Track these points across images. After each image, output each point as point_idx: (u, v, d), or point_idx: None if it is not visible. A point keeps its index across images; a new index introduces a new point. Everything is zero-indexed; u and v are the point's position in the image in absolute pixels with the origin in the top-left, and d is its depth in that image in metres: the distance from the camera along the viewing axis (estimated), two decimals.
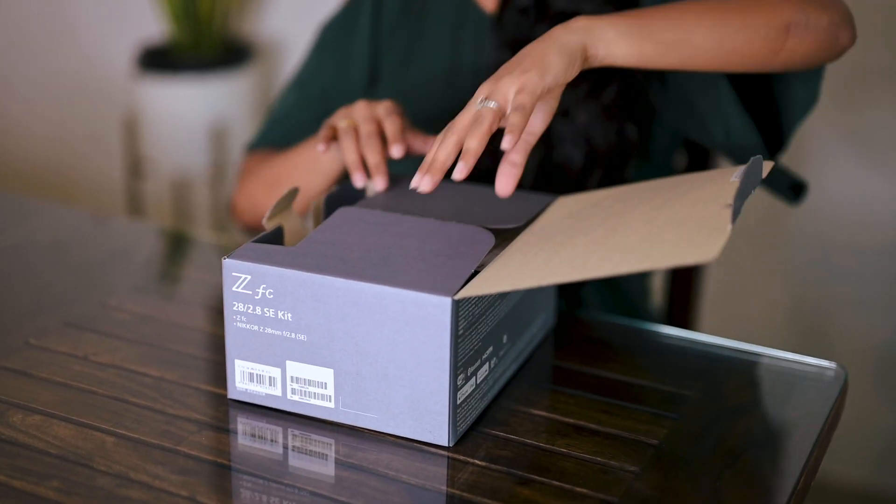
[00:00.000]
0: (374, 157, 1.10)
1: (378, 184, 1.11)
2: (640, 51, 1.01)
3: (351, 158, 1.11)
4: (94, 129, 2.73)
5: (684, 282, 1.54)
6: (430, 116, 1.28)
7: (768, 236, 2.17)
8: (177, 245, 1.38)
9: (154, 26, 2.56)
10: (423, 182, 0.94)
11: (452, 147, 0.94)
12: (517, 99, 0.95)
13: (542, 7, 1.25)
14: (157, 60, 2.41)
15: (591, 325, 1.14)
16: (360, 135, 1.12)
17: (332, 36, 1.39)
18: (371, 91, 1.36)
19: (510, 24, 1.26)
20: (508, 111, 0.95)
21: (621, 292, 1.37)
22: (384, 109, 1.13)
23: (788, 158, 2.04)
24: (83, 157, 2.77)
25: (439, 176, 0.95)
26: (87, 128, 2.75)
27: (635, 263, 0.82)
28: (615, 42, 1.00)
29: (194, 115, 2.40)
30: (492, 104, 0.95)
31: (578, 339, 1.11)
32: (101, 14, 2.66)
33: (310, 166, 1.22)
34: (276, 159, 1.31)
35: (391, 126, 1.11)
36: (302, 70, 1.41)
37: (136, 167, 2.55)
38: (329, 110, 1.33)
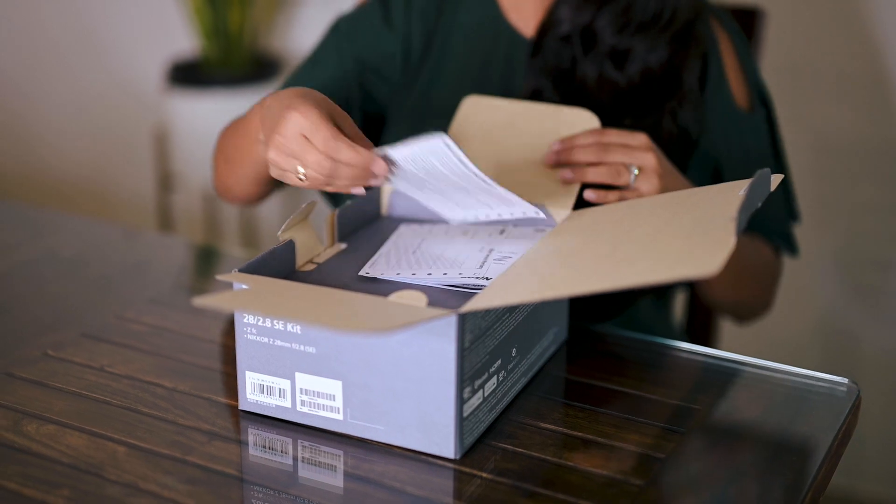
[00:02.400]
0: (346, 191, 1.03)
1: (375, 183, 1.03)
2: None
3: (332, 190, 1.03)
4: (125, 143, 2.76)
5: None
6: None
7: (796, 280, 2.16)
8: (197, 258, 1.40)
9: (185, 42, 2.59)
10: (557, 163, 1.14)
11: (591, 157, 1.13)
12: (642, 186, 1.12)
13: (589, 39, 1.24)
14: (188, 75, 2.44)
15: (604, 339, 1.14)
16: (322, 180, 1.01)
17: (350, 30, 1.35)
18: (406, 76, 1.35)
19: (550, 51, 1.26)
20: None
21: (633, 310, 1.37)
22: (328, 144, 0.97)
23: (813, 168, 2.04)
24: (114, 172, 2.80)
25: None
26: (118, 142, 2.78)
27: (637, 277, 0.83)
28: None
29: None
30: (633, 177, 1.11)
31: (591, 353, 1.11)
32: (132, 30, 2.70)
33: (259, 137, 1.12)
34: (231, 130, 1.25)
35: (348, 158, 0.99)
36: (316, 52, 1.36)
37: (166, 181, 2.58)
38: (342, 101, 1.30)
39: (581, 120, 1.14)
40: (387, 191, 1.18)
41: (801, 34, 2.04)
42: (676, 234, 0.91)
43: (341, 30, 1.36)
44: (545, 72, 1.26)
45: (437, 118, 1.32)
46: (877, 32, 1.98)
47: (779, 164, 1.36)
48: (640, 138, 1.12)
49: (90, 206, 2.86)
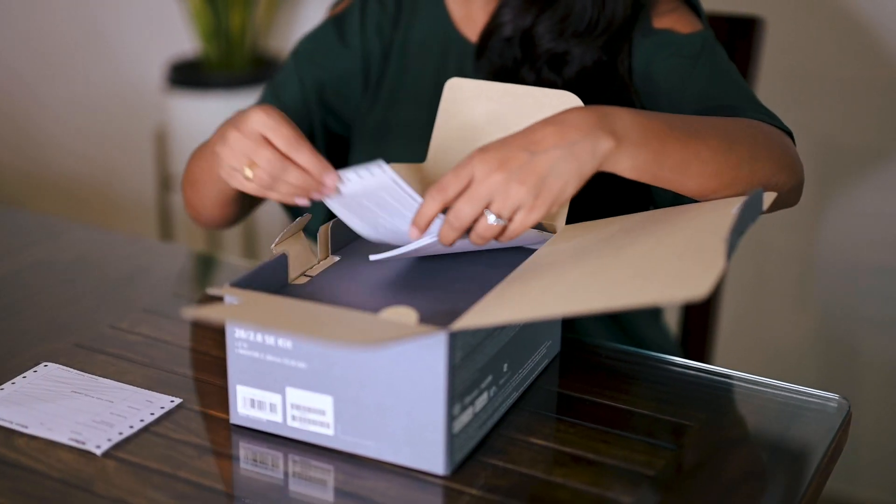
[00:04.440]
0: (289, 199, 1.04)
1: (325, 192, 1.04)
2: (639, 176, 1.00)
3: (274, 197, 1.06)
4: (126, 143, 2.77)
5: (700, 308, 1.53)
6: (414, 142, 1.30)
7: (792, 254, 2.16)
8: (195, 267, 1.40)
9: (186, 43, 2.59)
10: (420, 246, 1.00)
11: (453, 236, 0.98)
12: (516, 224, 0.96)
13: (529, 42, 1.25)
14: (189, 76, 2.44)
15: (597, 353, 1.14)
16: (268, 182, 1.02)
17: (310, 50, 1.39)
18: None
19: (493, 53, 1.27)
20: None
21: (627, 322, 1.37)
22: (289, 144, 1.01)
23: (814, 175, 2.04)
24: (116, 171, 2.81)
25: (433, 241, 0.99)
26: (120, 142, 2.78)
27: (627, 299, 0.83)
28: (625, 168, 0.99)
29: None
30: (496, 221, 0.95)
31: (583, 367, 1.11)
32: (133, 30, 2.70)
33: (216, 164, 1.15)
34: (197, 154, 1.27)
35: (306, 161, 1.01)
36: (277, 77, 1.40)
37: (167, 181, 2.58)
38: (304, 121, 1.35)
39: (563, 102, 1.12)
40: None
41: (801, 41, 2.04)
42: (668, 254, 0.91)
43: (300, 53, 1.39)
44: (490, 73, 1.28)
45: (399, 135, 1.33)
46: (876, 38, 1.98)
47: (733, 74, 1.26)
48: (474, 163, 0.95)
49: (92, 205, 2.86)
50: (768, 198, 1.00)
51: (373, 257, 1.07)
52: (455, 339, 0.89)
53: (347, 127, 1.39)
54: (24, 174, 2.94)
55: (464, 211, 0.96)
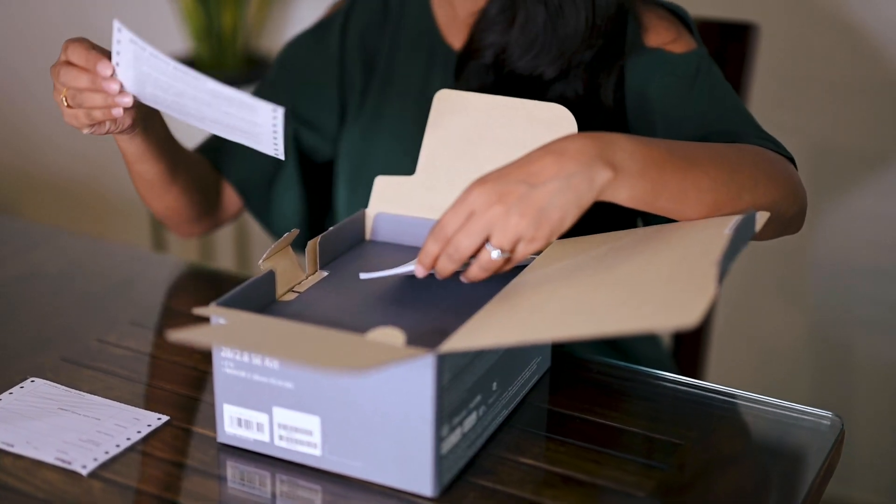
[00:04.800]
0: (109, 114, 1.08)
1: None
2: (636, 205, 0.99)
3: (89, 121, 1.10)
4: None
5: None
6: (400, 150, 1.30)
7: (786, 256, 2.16)
8: (183, 278, 1.39)
9: (178, 43, 2.58)
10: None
11: (452, 267, 0.98)
12: (518, 255, 0.96)
13: (501, 65, 1.24)
14: None
15: (588, 368, 1.14)
16: (77, 97, 1.07)
17: (291, 58, 1.40)
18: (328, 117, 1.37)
19: (472, 74, 1.26)
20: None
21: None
22: (74, 55, 1.07)
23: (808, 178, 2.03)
24: (109, 170, 2.79)
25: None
26: (113, 142, 2.76)
27: (617, 325, 0.82)
28: (623, 199, 0.98)
29: None
30: (500, 256, 0.96)
31: (574, 383, 1.11)
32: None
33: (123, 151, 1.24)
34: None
35: (78, 59, 1.07)
36: (263, 82, 1.42)
37: None
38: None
39: (555, 115, 1.11)
40: (370, 215, 1.17)
41: (794, 46, 2.03)
42: (658, 277, 0.90)
43: (279, 60, 1.40)
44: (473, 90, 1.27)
45: (385, 142, 1.33)
46: (869, 41, 1.97)
47: (732, 97, 1.24)
48: (472, 196, 0.95)
49: (87, 204, 2.85)
50: (761, 218, 0.99)
51: (363, 276, 1.06)
52: (443, 361, 0.89)
53: (323, 139, 1.38)
54: (20, 172, 2.92)
55: (463, 244, 0.96)
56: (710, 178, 1.02)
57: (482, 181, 0.95)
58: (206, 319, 0.94)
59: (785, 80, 2.04)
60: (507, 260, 0.97)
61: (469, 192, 0.95)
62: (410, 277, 1.09)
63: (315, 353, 0.86)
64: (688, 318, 0.80)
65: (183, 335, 0.85)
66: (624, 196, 0.97)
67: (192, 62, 2.48)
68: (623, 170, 0.96)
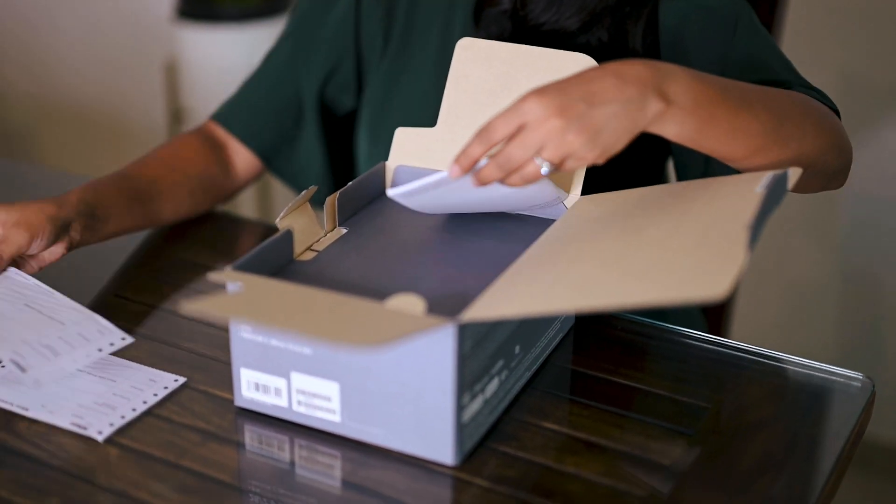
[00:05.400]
0: None
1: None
2: (682, 141, 0.96)
3: None
4: (136, 72, 2.72)
5: None
6: (421, 92, 1.27)
7: (812, 194, 2.12)
8: (203, 227, 1.35)
9: None
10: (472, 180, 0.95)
11: (497, 176, 0.94)
12: (565, 165, 0.92)
13: (521, 17, 1.20)
14: (198, 8, 2.39)
15: (613, 325, 1.11)
16: None
17: (308, 7, 1.36)
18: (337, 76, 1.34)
19: (490, 24, 1.22)
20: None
21: None
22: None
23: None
24: (126, 98, 2.76)
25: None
26: (129, 70, 2.73)
27: (642, 296, 0.79)
28: (670, 133, 0.95)
29: (235, 63, 2.37)
30: (547, 168, 0.92)
31: (598, 341, 1.08)
32: None
33: None
34: None
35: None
36: (280, 36, 1.38)
37: (177, 114, 2.54)
38: (292, 84, 1.33)
39: (580, 66, 1.07)
40: (391, 168, 1.14)
41: None
42: (686, 241, 0.87)
43: (296, 12, 1.36)
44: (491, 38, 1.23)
45: (407, 90, 1.29)
46: None
47: (765, 39, 1.21)
48: (528, 106, 0.91)
49: (103, 132, 2.82)
50: (794, 175, 0.96)
51: (390, 192, 1.01)
52: (464, 330, 0.86)
53: (343, 90, 1.35)
54: (39, 100, 2.90)
55: (516, 155, 0.92)
56: (759, 122, 0.98)
57: (541, 92, 0.91)
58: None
59: (819, 12, 1.98)
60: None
61: (525, 101, 0.91)
62: (430, 233, 1.06)
63: (333, 325, 0.84)
64: (715, 289, 0.77)
65: (198, 307, 0.82)
66: (672, 131, 0.94)
67: None
68: (675, 103, 0.93)
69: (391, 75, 1.31)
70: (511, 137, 0.92)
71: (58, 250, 1.12)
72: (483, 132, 0.93)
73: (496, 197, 1.01)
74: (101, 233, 1.18)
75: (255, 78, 1.37)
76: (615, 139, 0.92)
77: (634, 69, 0.92)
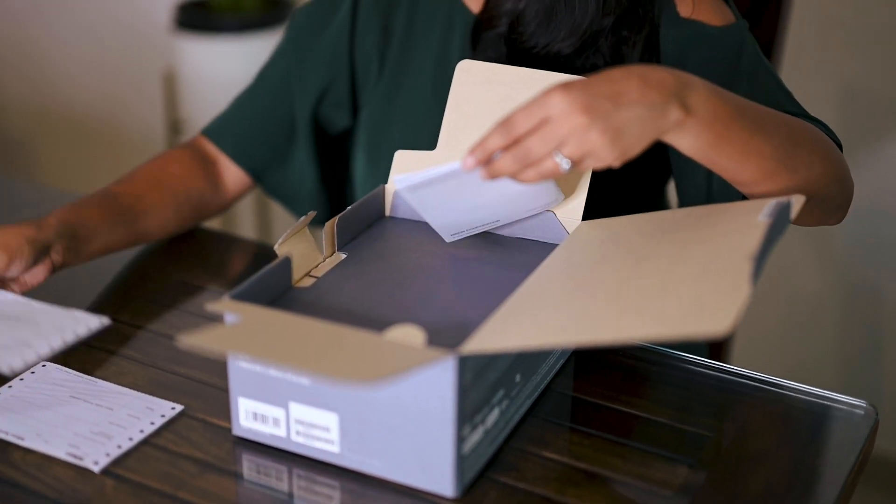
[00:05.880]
0: None
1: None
2: (695, 155, 0.95)
3: None
4: (135, 82, 2.71)
5: None
6: (418, 113, 1.26)
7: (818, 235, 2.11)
8: (202, 247, 1.34)
9: None
10: (477, 172, 0.92)
11: (514, 168, 0.91)
12: (583, 164, 0.90)
13: (517, 33, 1.18)
14: (196, 19, 2.38)
15: (614, 350, 1.10)
16: None
17: (303, 24, 1.35)
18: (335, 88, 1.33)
19: (488, 44, 1.21)
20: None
21: None
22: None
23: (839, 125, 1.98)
24: (125, 108, 2.76)
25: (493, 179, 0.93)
26: (128, 80, 2.72)
27: (643, 331, 0.79)
28: (685, 145, 0.94)
29: (234, 73, 2.36)
30: (567, 165, 0.90)
31: (599, 367, 1.07)
32: None
33: None
34: None
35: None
36: (274, 51, 1.37)
37: (175, 125, 2.53)
38: (285, 102, 1.32)
39: None
40: (390, 191, 1.13)
41: None
42: (688, 273, 0.86)
43: (293, 26, 1.35)
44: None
45: (404, 110, 1.28)
46: None
47: (767, 69, 1.20)
48: (553, 101, 0.89)
49: (101, 142, 2.81)
50: (797, 203, 0.95)
51: (397, 180, 0.98)
52: (464, 361, 0.85)
53: (337, 109, 1.34)
54: (36, 106, 2.89)
55: (536, 149, 0.90)
56: (772, 145, 0.98)
57: (566, 87, 0.89)
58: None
59: (820, 25, 1.98)
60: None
61: (550, 96, 0.89)
62: (430, 259, 1.05)
63: (332, 359, 0.83)
64: (718, 326, 0.76)
65: (195, 340, 0.81)
66: (687, 142, 0.93)
67: (208, 5, 2.43)
68: (695, 115, 0.92)
69: (388, 97, 1.30)
70: (532, 131, 0.90)
71: (40, 273, 1.12)
72: (504, 124, 0.90)
73: (500, 197, 1.00)
74: (84, 253, 1.18)
75: (247, 94, 1.36)
76: (635, 142, 0.90)
77: (658, 74, 0.91)
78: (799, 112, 1.13)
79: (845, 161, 1.10)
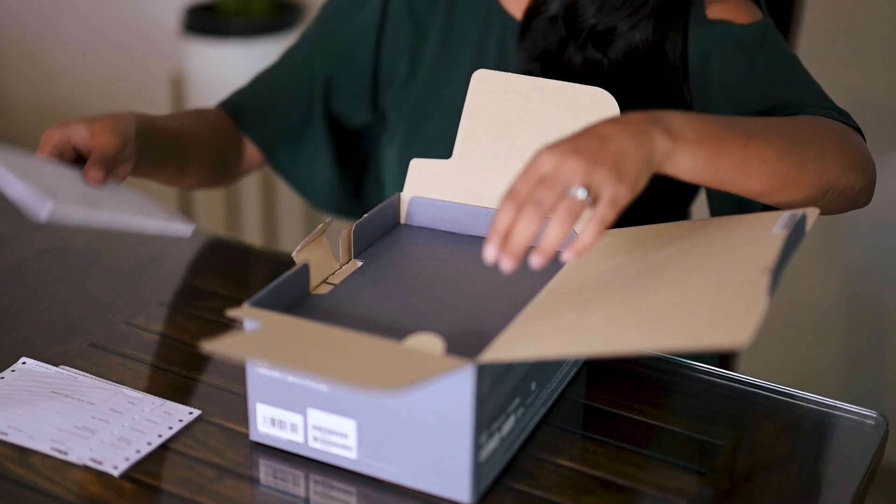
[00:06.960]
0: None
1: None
2: (698, 177, 0.94)
3: None
4: (142, 85, 2.72)
5: None
6: (454, 114, 1.25)
7: (823, 243, 2.12)
8: (212, 253, 1.35)
9: None
10: (503, 263, 0.87)
11: (533, 226, 0.86)
12: (604, 203, 0.86)
13: (573, 19, 1.20)
14: (204, 23, 2.38)
15: (627, 358, 1.11)
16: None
17: (332, 10, 1.37)
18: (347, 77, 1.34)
19: (537, 34, 1.22)
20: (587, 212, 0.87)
21: None
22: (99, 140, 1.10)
23: None
24: (133, 111, 2.76)
25: (520, 258, 0.87)
26: (135, 83, 2.73)
27: (661, 342, 0.79)
28: (684, 169, 0.93)
29: (241, 77, 2.37)
30: (584, 193, 0.86)
31: (612, 375, 1.08)
32: None
33: None
34: None
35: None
36: (302, 35, 1.39)
37: None
38: (304, 84, 1.33)
39: (596, 99, 1.08)
40: (405, 199, 1.14)
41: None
42: (705, 283, 0.87)
43: (322, 14, 1.37)
44: (534, 55, 1.24)
45: (439, 114, 1.30)
46: None
47: (798, 67, 1.21)
48: (543, 158, 0.88)
49: None
50: (812, 216, 0.96)
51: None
52: (483, 370, 0.86)
53: (355, 104, 1.35)
54: (40, 108, 2.89)
55: (546, 196, 0.86)
56: (772, 148, 0.97)
57: (550, 146, 0.88)
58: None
59: (828, 37, 1.98)
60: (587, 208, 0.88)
61: (539, 156, 0.88)
62: (449, 266, 1.06)
63: (352, 366, 0.84)
64: (737, 337, 0.77)
65: (217, 346, 0.82)
66: (686, 166, 0.92)
67: (216, 8, 2.43)
68: (681, 138, 0.91)
69: (428, 97, 1.31)
70: (535, 188, 0.87)
71: (129, 166, 1.11)
72: (508, 197, 0.87)
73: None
74: (147, 161, 1.16)
75: (268, 72, 1.39)
76: (636, 169, 0.88)
77: (630, 116, 0.92)
78: (819, 103, 1.12)
79: (862, 144, 1.08)
